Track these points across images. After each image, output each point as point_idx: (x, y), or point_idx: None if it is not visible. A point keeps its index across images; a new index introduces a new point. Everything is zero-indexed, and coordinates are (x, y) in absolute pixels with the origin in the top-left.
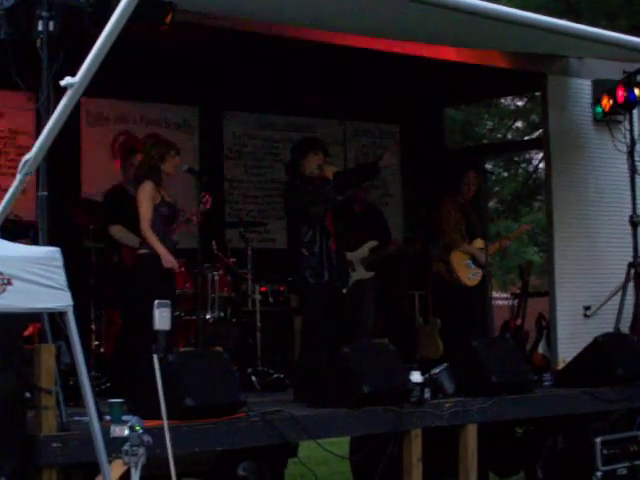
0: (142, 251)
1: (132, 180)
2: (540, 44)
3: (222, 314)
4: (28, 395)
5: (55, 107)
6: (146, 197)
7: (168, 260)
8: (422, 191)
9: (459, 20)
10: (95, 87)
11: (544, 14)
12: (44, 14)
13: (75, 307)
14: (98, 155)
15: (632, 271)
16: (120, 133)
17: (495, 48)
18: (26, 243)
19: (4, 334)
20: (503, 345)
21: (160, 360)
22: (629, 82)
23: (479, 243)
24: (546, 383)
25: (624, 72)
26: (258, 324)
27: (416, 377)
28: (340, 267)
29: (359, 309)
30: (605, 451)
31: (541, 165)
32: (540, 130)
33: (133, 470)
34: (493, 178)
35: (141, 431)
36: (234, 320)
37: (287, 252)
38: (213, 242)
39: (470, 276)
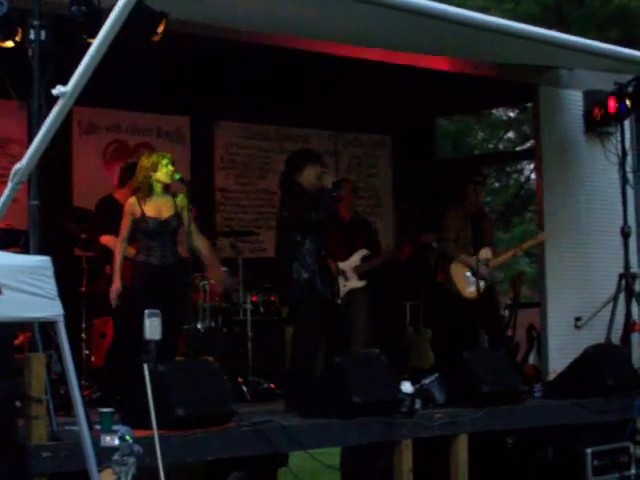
0: (137, 258)
1: None
2: (531, 55)
3: (213, 324)
4: (18, 404)
5: (47, 116)
6: (125, 213)
7: (114, 289)
8: (413, 201)
9: (451, 31)
10: (87, 96)
11: (535, 25)
12: (36, 23)
13: (66, 316)
14: (90, 164)
15: (623, 282)
16: (111, 142)
17: (487, 59)
18: (17, 252)
19: None
20: (494, 356)
21: (150, 370)
22: (620, 93)
23: (486, 253)
24: (537, 394)
25: (615, 83)
26: (249, 334)
27: (407, 387)
28: (331, 276)
29: (351, 319)
30: (596, 462)
31: (532, 176)
32: (531, 141)
33: None
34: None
35: (131, 441)
36: (225, 330)
37: (276, 261)
38: None
39: (469, 289)
